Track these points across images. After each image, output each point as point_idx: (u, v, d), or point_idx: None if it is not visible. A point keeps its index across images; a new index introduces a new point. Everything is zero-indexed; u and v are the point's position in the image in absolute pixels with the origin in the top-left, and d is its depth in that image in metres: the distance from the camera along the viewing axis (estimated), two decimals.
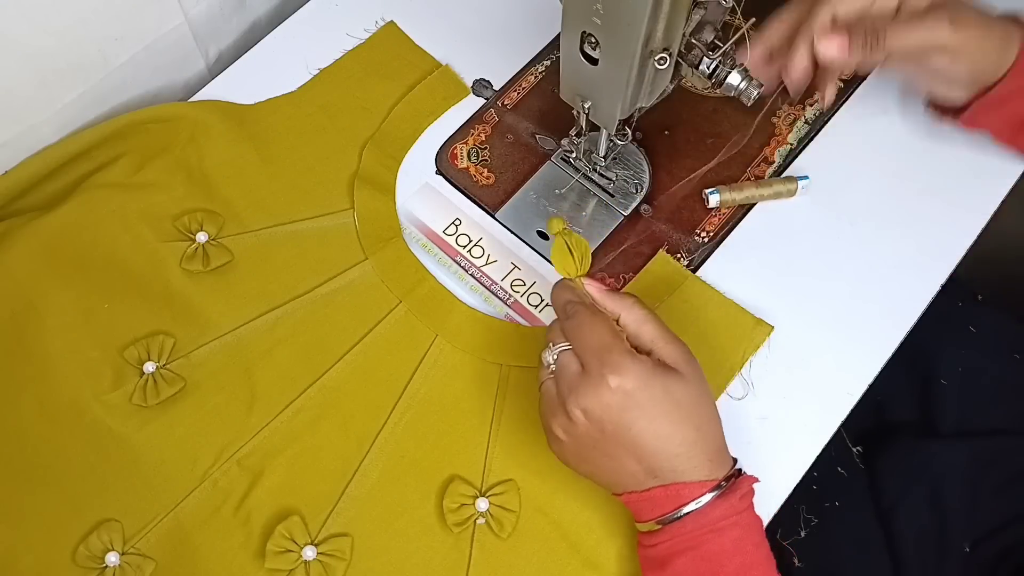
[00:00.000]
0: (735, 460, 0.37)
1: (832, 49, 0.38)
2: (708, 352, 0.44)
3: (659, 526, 0.36)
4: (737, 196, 0.47)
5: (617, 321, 0.37)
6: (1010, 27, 0.41)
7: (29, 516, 0.40)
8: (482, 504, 0.41)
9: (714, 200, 0.47)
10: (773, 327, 0.45)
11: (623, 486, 0.36)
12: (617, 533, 0.41)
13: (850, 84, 0.52)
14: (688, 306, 0.45)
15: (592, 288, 0.38)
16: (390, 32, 0.53)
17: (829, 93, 0.44)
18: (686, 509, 0.35)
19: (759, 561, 0.35)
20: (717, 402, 0.42)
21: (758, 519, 0.36)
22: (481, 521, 0.41)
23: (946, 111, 0.46)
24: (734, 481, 0.36)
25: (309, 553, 0.40)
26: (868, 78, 0.52)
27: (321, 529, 0.41)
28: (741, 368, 0.44)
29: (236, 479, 0.41)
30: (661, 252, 0.47)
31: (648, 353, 0.36)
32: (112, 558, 0.39)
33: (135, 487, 0.41)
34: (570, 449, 0.37)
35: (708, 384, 0.37)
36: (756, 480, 0.37)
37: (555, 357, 0.37)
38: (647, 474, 0.35)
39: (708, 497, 0.35)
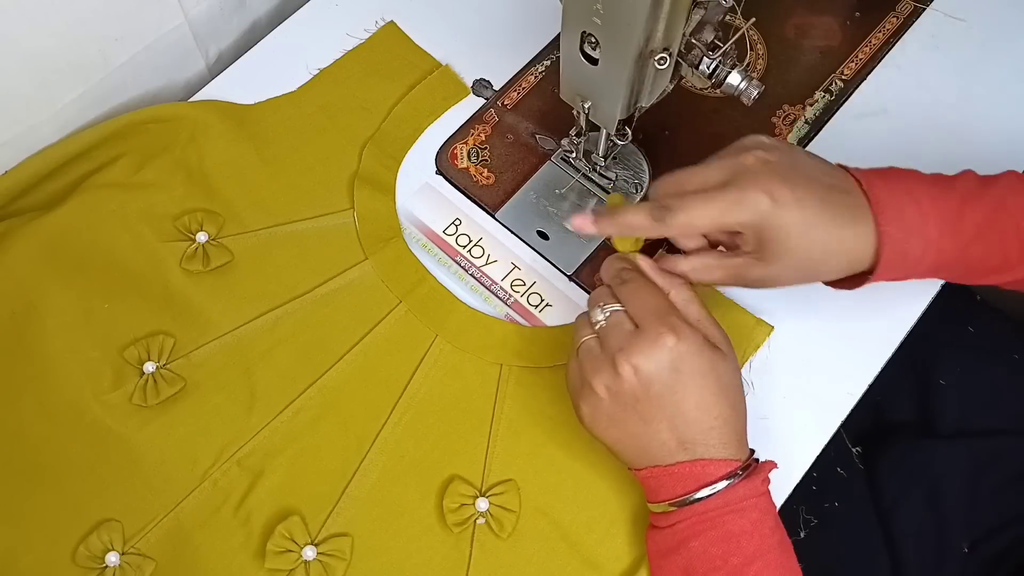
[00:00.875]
0: (752, 450, 0.38)
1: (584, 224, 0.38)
2: None
3: (673, 508, 0.36)
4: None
5: None
6: (858, 223, 0.35)
7: (29, 516, 0.40)
8: (482, 504, 0.41)
9: None
10: (773, 327, 0.45)
11: (650, 458, 0.36)
12: (617, 533, 0.41)
13: (850, 83, 0.52)
14: None
15: (645, 264, 0.39)
16: (390, 32, 0.53)
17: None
18: (705, 491, 0.35)
19: (774, 545, 0.35)
20: None
21: (774, 505, 0.37)
22: (481, 521, 0.41)
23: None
24: (756, 464, 0.37)
25: (309, 553, 0.40)
26: (868, 78, 0.52)
27: (321, 529, 0.41)
28: (741, 368, 0.44)
29: (236, 479, 0.41)
30: (661, 252, 0.47)
31: None
32: (112, 558, 0.39)
33: (135, 487, 0.41)
34: (606, 410, 0.36)
35: (739, 372, 0.38)
36: (775, 466, 0.37)
37: (607, 315, 0.37)
38: (678, 445, 0.36)
39: (731, 479, 0.35)
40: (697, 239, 0.40)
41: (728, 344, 0.38)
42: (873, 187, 0.36)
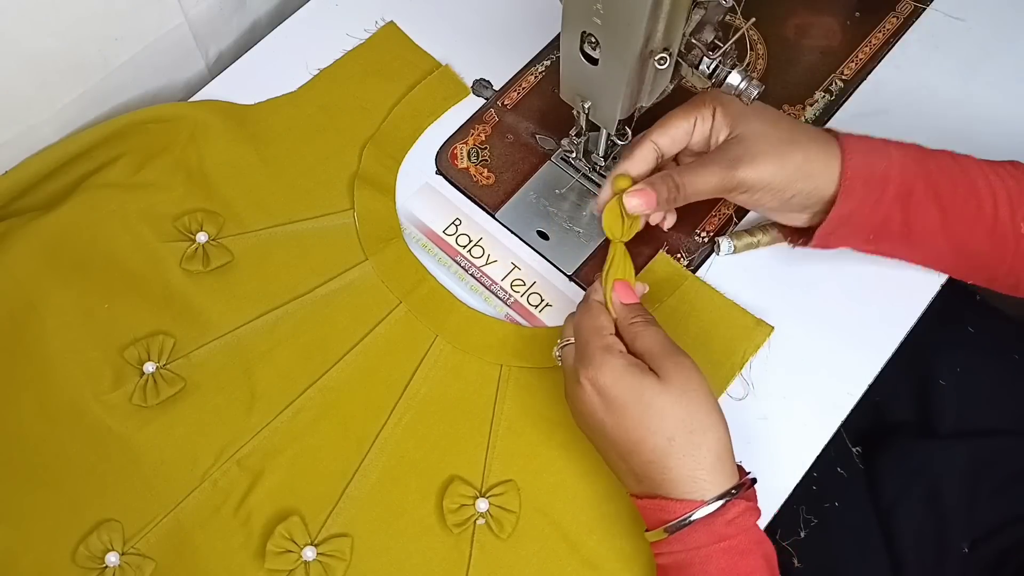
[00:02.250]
0: (743, 479, 0.35)
1: (638, 204, 0.39)
2: (708, 352, 0.44)
3: (659, 536, 0.35)
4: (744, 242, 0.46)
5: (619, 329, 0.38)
6: (823, 143, 0.39)
7: (29, 516, 0.40)
8: (482, 504, 0.41)
9: (726, 248, 0.46)
10: (773, 327, 0.45)
11: (625, 484, 0.37)
12: (617, 533, 0.41)
13: (850, 83, 0.52)
14: (688, 307, 0.45)
15: (595, 295, 0.39)
16: (390, 32, 0.53)
17: (668, 220, 0.44)
18: (653, 535, 0.35)
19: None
20: (718, 399, 0.42)
21: (750, 543, 0.34)
22: (481, 522, 0.41)
23: (796, 234, 0.44)
24: (723, 504, 0.34)
25: (309, 553, 0.40)
26: (868, 78, 0.52)
27: (321, 529, 0.41)
28: (741, 368, 0.44)
29: (236, 479, 0.41)
30: (661, 253, 0.47)
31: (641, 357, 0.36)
32: (112, 558, 0.39)
33: (135, 487, 0.41)
34: (585, 432, 0.38)
35: (707, 403, 0.35)
36: (749, 504, 0.35)
37: (561, 349, 0.39)
38: (634, 477, 0.36)
39: (684, 523, 0.33)
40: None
41: (684, 372, 0.35)
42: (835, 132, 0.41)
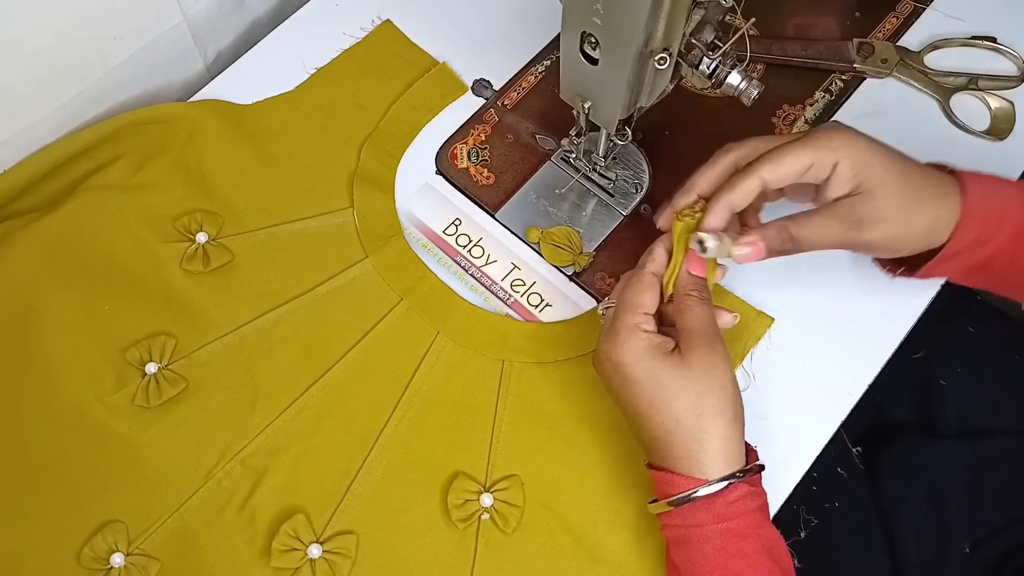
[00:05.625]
0: (751, 464, 0.36)
1: (746, 256, 0.37)
2: None
3: (668, 508, 0.36)
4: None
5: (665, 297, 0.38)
6: (947, 195, 0.37)
7: (33, 518, 0.40)
8: (486, 500, 0.41)
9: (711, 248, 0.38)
10: (774, 319, 0.45)
11: (641, 446, 0.38)
12: (622, 526, 0.41)
13: (850, 83, 0.52)
14: None
15: (690, 260, 0.38)
16: (386, 30, 0.53)
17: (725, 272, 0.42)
18: (656, 507, 0.36)
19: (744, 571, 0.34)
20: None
21: (749, 527, 0.35)
22: (486, 516, 0.41)
23: (895, 265, 0.42)
24: (726, 486, 0.34)
25: (314, 551, 0.40)
26: (868, 78, 0.52)
27: (326, 527, 0.41)
28: (743, 360, 0.44)
29: (240, 478, 0.42)
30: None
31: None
32: (117, 559, 0.39)
33: (139, 488, 0.41)
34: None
35: (723, 391, 0.35)
36: (753, 489, 0.35)
37: (605, 310, 0.40)
38: (644, 447, 0.37)
39: (690, 498, 0.35)
40: None
41: (709, 357, 0.35)
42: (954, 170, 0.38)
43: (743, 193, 0.37)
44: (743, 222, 0.40)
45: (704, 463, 0.35)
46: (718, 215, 0.37)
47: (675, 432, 0.35)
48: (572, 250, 0.47)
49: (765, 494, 0.36)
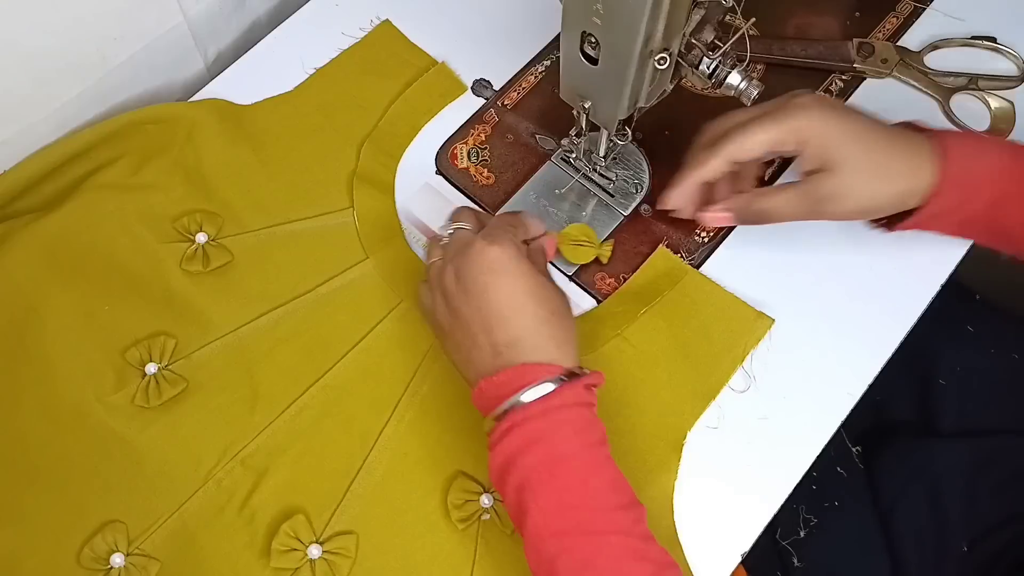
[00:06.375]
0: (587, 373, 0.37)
1: (718, 223, 0.41)
2: (709, 346, 0.44)
3: (496, 420, 0.35)
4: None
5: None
6: (920, 162, 0.37)
7: (33, 519, 0.40)
8: (487, 500, 0.41)
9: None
10: (774, 320, 0.45)
11: (474, 369, 0.37)
12: None
13: (850, 83, 0.52)
14: (689, 300, 0.45)
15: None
16: (385, 30, 0.53)
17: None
18: (527, 394, 0.34)
19: (599, 461, 0.34)
20: (719, 396, 0.43)
21: (598, 422, 0.36)
22: (486, 517, 0.41)
23: (874, 222, 0.43)
24: (590, 374, 0.36)
25: (314, 551, 0.40)
26: (868, 79, 0.52)
27: (326, 527, 0.41)
28: (743, 361, 0.44)
29: (240, 479, 0.42)
30: (661, 247, 0.47)
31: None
32: (117, 559, 0.39)
33: (139, 488, 0.41)
34: (442, 322, 0.39)
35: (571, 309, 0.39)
36: (602, 378, 0.36)
37: (451, 232, 0.41)
38: (493, 351, 0.36)
39: (552, 382, 0.34)
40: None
41: (561, 296, 0.38)
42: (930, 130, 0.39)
43: (710, 171, 0.40)
44: (737, 190, 0.43)
45: (573, 355, 0.37)
46: (683, 191, 0.41)
47: (549, 321, 0.36)
48: (592, 244, 0.46)
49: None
